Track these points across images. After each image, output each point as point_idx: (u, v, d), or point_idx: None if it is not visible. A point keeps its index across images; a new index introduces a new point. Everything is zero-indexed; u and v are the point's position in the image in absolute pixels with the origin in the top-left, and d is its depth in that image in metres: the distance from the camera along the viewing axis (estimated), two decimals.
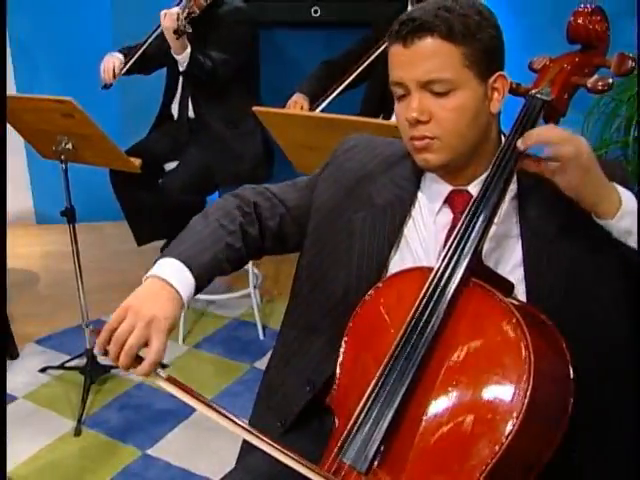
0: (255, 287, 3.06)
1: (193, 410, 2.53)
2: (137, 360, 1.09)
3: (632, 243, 1.12)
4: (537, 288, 1.19)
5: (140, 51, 2.77)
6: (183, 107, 2.92)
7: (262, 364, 2.82)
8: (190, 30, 2.62)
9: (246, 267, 3.18)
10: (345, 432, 1.10)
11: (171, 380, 1.10)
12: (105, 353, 1.13)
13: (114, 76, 2.80)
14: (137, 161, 2.40)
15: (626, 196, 1.12)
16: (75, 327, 3.10)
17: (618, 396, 1.20)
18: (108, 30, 3.89)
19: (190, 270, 1.19)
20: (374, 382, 1.10)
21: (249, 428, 1.13)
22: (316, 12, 3.30)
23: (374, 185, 1.30)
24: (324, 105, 2.52)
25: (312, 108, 2.55)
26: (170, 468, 2.30)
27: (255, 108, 2.05)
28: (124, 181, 2.82)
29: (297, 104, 2.62)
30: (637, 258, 1.12)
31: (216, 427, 2.46)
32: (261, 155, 2.91)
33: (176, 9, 2.65)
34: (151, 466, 2.31)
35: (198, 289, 1.22)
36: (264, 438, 1.10)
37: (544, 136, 1.12)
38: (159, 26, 2.71)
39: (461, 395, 1.06)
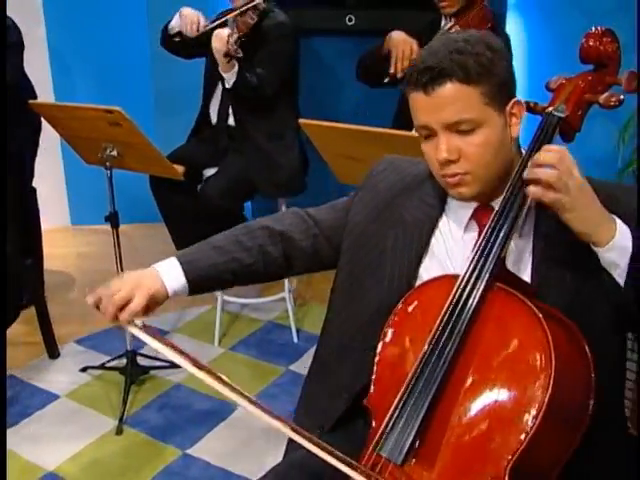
0: (290, 291, 3.11)
1: (231, 411, 2.60)
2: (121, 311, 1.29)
3: (617, 276, 1.16)
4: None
5: (216, 23, 2.74)
6: (223, 114, 2.96)
7: (297, 367, 2.88)
8: (241, 54, 2.63)
9: None
10: (381, 428, 1.19)
11: (147, 330, 1.28)
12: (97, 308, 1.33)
13: (197, 29, 2.75)
14: (180, 168, 2.47)
15: (622, 230, 1.16)
16: (113, 328, 3.17)
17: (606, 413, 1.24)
18: (145, 36, 3.97)
19: (184, 272, 1.36)
20: (407, 382, 1.19)
21: (286, 421, 1.22)
22: (351, 20, 3.35)
23: (404, 204, 1.39)
24: None
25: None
26: (210, 468, 2.36)
27: (301, 121, 2.10)
28: (164, 186, 2.88)
29: (406, 44, 2.48)
30: (617, 292, 1.17)
31: (255, 428, 2.55)
32: (298, 166, 2.96)
33: (226, 31, 2.65)
34: (191, 465, 2.37)
35: (194, 291, 1.38)
36: (305, 433, 1.18)
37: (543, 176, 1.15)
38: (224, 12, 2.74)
39: (488, 392, 1.14)
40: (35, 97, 3.38)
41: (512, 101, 1.25)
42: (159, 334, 1.28)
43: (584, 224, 1.15)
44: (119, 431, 2.51)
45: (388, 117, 2.82)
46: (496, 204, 1.28)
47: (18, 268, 2.61)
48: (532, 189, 1.16)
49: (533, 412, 1.09)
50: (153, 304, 1.31)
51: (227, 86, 2.76)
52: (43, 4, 3.94)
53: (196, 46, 2.85)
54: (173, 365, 2.82)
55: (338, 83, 3.50)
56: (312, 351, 2.92)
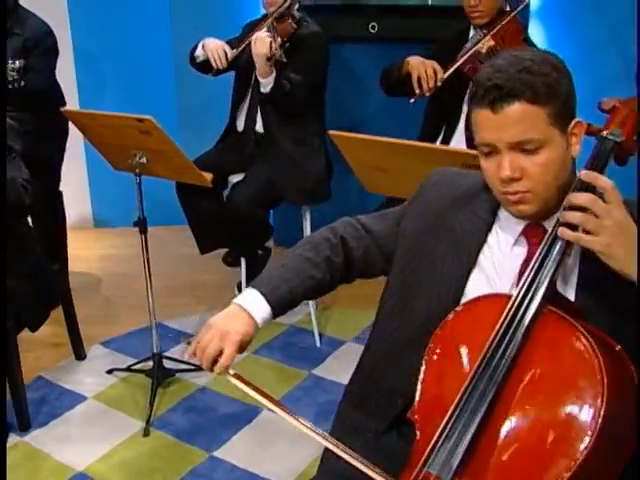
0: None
1: (256, 414, 2.64)
2: (215, 364, 1.35)
3: None
4: None
5: (242, 47, 2.79)
6: (250, 121, 3.00)
7: (320, 371, 2.92)
8: (285, 60, 2.67)
9: None
10: (430, 445, 1.19)
11: (239, 378, 1.33)
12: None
13: (227, 60, 2.81)
14: (209, 176, 2.50)
15: None
16: (138, 330, 3.23)
17: None
18: (168, 42, 4.03)
19: (267, 301, 1.39)
20: (457, 400, 1.19)
21: (326, 436, 1.25)
22: (374, 28, 3.38)
23: (455, 217, 1.42)
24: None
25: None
26: (236, 470, 2.39)
27: (331, 132, 2.13)
28: (190, 191, 2.92)
29: (428, 65, 2.50)
30: None
31: (280, 431, 2.59)
32: (324, 172, 3.00)
33: (266, 34, 2.69)
34: (217, 467, 2.40)
35: (277, 315, 1.41)
36: (344, 449, 1.21)
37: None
38: (249, 31, 2.79)
39: (538, 413, 1.15)
40: (64, 102, 3.45)
41: (574, 121, 1.26)
42: (253, 384, 1.33)
43: (619, 263, 1.15)
44: (146, 433, 2.56)
45: (410, 124, 2.83)
46: (547, 223, 1.30)
47: (47, 271, 2.66)
48: (561, 230, 1.19)
49: (585, 438, 1.09)
50: (245, 344, 1.36)
51: (263, 90, 2.79)
52: (69, 10, 4.01)
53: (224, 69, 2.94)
54: (198, 368, 2.87)
55: (361, 89, 3.53)
56: (335, 355, 3.03)
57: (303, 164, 2.94)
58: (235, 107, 3.07)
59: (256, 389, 1.31)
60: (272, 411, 1.30)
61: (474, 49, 2.45)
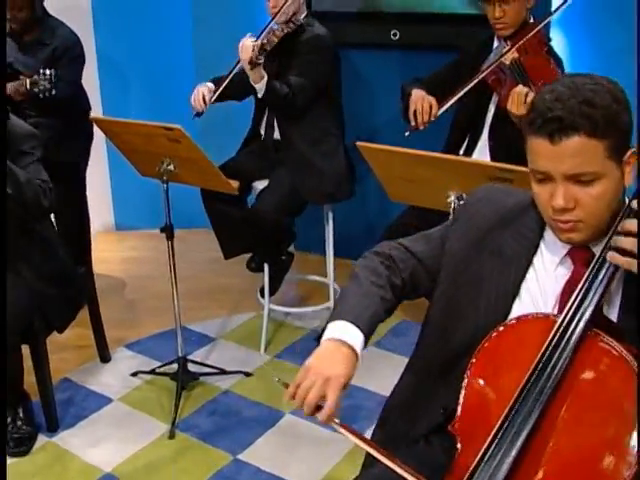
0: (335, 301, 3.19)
1: (279, 418, 2.68)
2: (317, 408, 1.30)
3: None
4: None
5: (227, 81, 2.86)
6: (269, 128, 3.04)
7: None
8: (262, 61, 2.71)
9: (326, 281, 3.32)
10: (474, 462, 1.22)
11: (344, 427, 1.29)
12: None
13: (205, 104, 2.90)
14: (235, 184, 2.55)
15: None
16: (161, 333, 3.28)
17: None
18: (189, 48, 4.08)
19: (358, 327, 1.37)
20: (502, 419, 1.22)
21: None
22: (395, 35, 3.41)
23: (501, 236, 1.43)
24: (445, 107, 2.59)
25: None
26: (261, 473, 2.43)
27: (358, 143, 2.16)
28: (214, 197, 2.95)
29: (425, 101, 2.60)
30: None
31: (303, 435, 2.62)
32: (344, 173, 3.02)
33: (250, 40, 2.73)
34: (242, 470, 2.44)
35: (366, 343, 1.40)
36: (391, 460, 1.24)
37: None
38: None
39: (583, 436, 1.18)
40: (89, 106, 3.51)
41: (629, 151, 1.27)
42: (356, 430, 1.32)
43: None
44: (172, 435, 2.60)
45: (432, 131, 2.85)
46: (594, 246, 1.32)
47: (73, 273, 2.70)
48: (611, 255, 1.22)
49: (631, 462, 1.12)
50: (347, 385, 1.32)
51: (259, 96, 2.84)
52: (94, 16, 4.07)
53: (239, 91, 3.02)
54: (222, 372, 2.92)
55: (381, 95, 3.57)
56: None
57: (321, 165, 2.97)
58: (258, 117, 3.12)
59: (364, 439, 1.30)
60: (381, 462, 1.26)
61: (498, 62, 2.48)
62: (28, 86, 2.96)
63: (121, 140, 2.65)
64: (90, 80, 3.81)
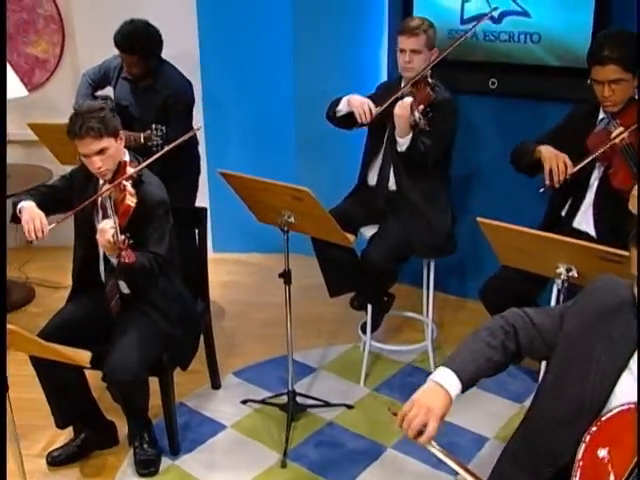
0: (432, 340, 3.38)
1: (382, 452, 2.86)
2: (419, 433, 1.64)
3: None
4: None
5: (386, 104, 2.96)
6: (383, 177, 3.18)
7: None
8: (428, 128, 2.84)
9: (425, 320, 3.49)
10: None
11: (442, 451, 1.64)
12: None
13: (371, 116, 3.01)
14: (352, 237, 2.73)
15: None
16: (267, 361, 3.51)
17: None
18: (291, 88, 4.32)
19: (459, 378, 1.69)
20: None
21: None
22: (493, 84, 3.56)
23: (612, 323, 1.64)
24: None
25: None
26: None
27: (480, 220, 2.31)
28: (323, 240, 3.14)
29: (560, 159, 2.64)
30: None
31: (404, 470, 2.78)
32: (451, 229, 3.19)
33: (409, 100, 2.87)
34: None
35: (464, 391, 1.70)
36: None
37: None
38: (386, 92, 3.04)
39: None
40: (197, 142, 3.77)
41: None
42: (453, 454, 1.64)
43: None
44: (283, 465, 2.80)
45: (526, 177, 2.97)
46: None
47: (194, 313, 2.93)
48: None
49: None
50: (444, 416, 1.64)
51: (399, 149, 2.98)
52: (200, 56, 4.32)
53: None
54: (326, 404, 3.11)
55: (482, 140, 3.72)
56: None
57: (432, 220, 3.12)
58: (367, 162, 3.27)
59: (457, 462, 1.61)
60: None
61: (610, 143, 2.58)
62: (142, 140, 3.29)
63: (246, 193, 2.82)
64: (195, 116, 4.04)
